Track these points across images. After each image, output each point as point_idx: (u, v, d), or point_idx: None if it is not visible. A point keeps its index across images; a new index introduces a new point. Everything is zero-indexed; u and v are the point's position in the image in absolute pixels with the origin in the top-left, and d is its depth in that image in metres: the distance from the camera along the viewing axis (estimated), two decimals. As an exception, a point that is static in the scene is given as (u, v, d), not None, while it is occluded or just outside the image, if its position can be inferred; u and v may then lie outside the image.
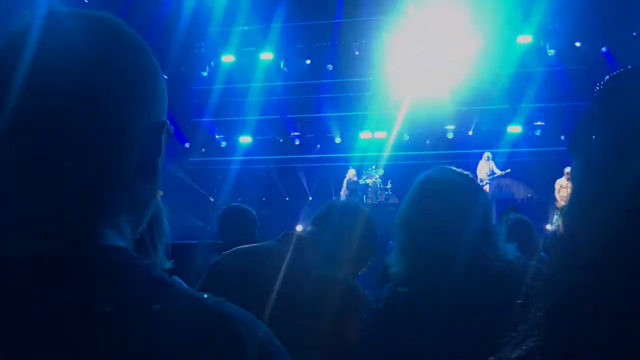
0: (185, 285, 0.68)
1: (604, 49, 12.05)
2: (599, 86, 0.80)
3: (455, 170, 1.65)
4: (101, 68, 0.64)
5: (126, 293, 0.60)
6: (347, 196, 11.37)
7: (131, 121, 0.66)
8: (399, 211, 1.66)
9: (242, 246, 1.97)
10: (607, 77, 0.81)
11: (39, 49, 0.63)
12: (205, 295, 0.64)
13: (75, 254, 0.60)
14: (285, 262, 1.79)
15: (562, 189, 9.84)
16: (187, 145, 13.80)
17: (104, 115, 0.64)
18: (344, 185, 11.64)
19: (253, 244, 1.99)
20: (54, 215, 0.62)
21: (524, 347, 0.61)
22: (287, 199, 14.89)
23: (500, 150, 12.60)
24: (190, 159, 13.83)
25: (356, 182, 11.95)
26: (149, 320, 0.58)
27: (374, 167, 12.74)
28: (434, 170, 1.66)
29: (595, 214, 0.60)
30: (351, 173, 11.89)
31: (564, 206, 0.79)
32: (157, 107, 0.71)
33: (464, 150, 13.09)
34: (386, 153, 13.15)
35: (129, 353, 0.56)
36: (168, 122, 0.72)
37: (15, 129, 0.62)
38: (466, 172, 1.65)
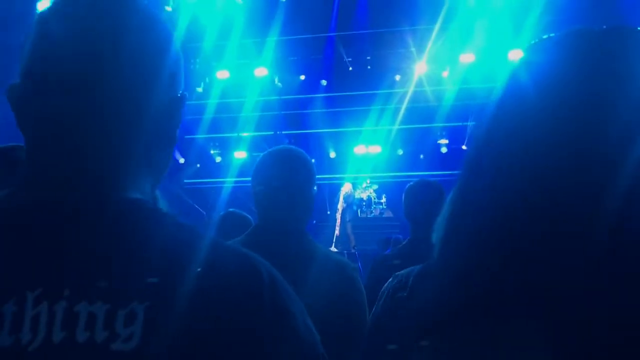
0: None
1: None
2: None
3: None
4: (132, 42, 0.70)
5: (155, 233, 0.66)
6: (344, 210, 11.23)
7: (155, 93, 0.73)
8: None
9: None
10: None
11: (76, 19, 0.70)
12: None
13: (100, 200, 0.68)
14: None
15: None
16: (181, 160, 13.76)
17: (132, 86, 0.70)
18: (341, 199, 11.48)
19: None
20: (83, 170, 0.69)
21: None
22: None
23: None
24: (185, 180, 13.78)
25: (353, 196, 11.84)
26: (180, 257, 0.65)
27: (368, 181, 12.74)
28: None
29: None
30: (347, 187, 11.73)
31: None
32: (179, 81, 0.78)
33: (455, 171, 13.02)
34: (380, 169, 13.15)
35: (165, 280, 0.63)
36: (187, 95, 0.79)
37: (51, 90, 0.68)
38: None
